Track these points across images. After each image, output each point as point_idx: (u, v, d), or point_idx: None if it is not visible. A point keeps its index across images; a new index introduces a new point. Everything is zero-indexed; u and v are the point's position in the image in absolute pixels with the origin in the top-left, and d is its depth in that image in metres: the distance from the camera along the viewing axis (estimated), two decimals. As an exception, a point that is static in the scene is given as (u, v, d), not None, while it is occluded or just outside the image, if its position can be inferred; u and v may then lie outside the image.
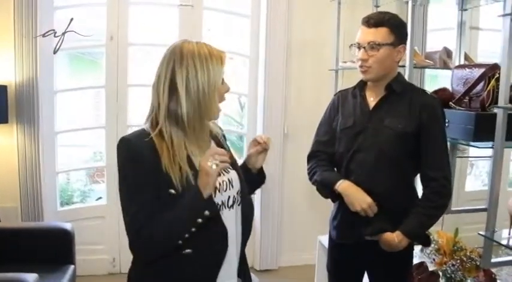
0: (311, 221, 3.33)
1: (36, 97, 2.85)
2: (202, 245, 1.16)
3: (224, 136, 1.42)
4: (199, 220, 1.13)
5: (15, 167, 2.88)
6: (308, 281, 2.97)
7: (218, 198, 1.22)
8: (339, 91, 1.94)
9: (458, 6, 2.45)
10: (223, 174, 1.27)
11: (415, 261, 2.09)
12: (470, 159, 3.21)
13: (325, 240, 2.21)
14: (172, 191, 1.16)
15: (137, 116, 3.13)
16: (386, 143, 1.67)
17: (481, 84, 1.88)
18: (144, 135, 1.20)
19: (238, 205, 1.30)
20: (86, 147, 3.65)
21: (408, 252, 1.76)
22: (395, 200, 1.69)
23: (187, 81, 1.18)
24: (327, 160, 1.82)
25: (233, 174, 1.31)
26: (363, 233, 1.71)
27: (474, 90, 1.92)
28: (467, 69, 2.00)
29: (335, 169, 1.82)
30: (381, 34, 1.64)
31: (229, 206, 1.27)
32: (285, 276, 3.37)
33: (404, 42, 1.72)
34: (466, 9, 2.45)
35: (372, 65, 1.66)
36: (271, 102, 3.32)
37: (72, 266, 2.46)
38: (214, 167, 1.13)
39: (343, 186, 1.70)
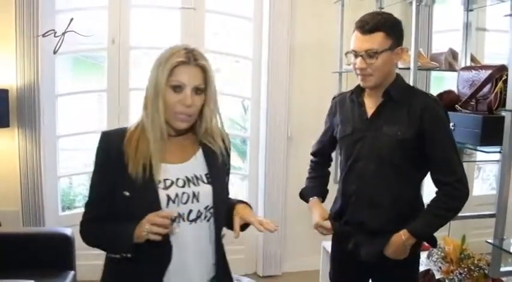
0: (315, 226, 3.28)
1: (38, 101, 2.84)
2: (142, 252, 1.18)
3: (226, 149, 1.35)
4: (118, 256, 1.22)
5: (17, 171, 2.87)
6: (312, 287, 2.93)
7: (174, 209, 1.20)
8: (337, 95, 1.89)
9: (464, 6, 2.40)
10: (189, 187, 1.23)
11: (421, 268, 2.04)
12: (477, 162, 3.16)
13: (329, 245, 2.17)
14: (127, 193, 1.20)
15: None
16: (386, 150, 1.61)
17: (488, 86, 1.83)
18: (123, 131, 1.26)
19: (207, 221, 1.26)
20: (88, 151, 3.63)
21: (414, 259, 1.71)
22: (400, 209, 1.63)
23: (147, 83, 1.24)
24: (317, 163, 1.94)
25: (204, 188, 1.25)
26: (362, 255, 1.67)
27: (481, 93, 1.87)
28: (474, 71, 1.96)
29: (327, 168, 1.95)
30: (377, 40, 1.56)
31: (190, 219, 1.23)
32: (289, 282, 3.33)
33: (401, 43, 1.63)
34: (471, 10, 2.40)
35: (371, 73, 1.59)
36: (275, 105, 3.28)
37: (72, 272, 2.44)
38: (145, 232, 1.15)
39: (310, 203, 1.85)
